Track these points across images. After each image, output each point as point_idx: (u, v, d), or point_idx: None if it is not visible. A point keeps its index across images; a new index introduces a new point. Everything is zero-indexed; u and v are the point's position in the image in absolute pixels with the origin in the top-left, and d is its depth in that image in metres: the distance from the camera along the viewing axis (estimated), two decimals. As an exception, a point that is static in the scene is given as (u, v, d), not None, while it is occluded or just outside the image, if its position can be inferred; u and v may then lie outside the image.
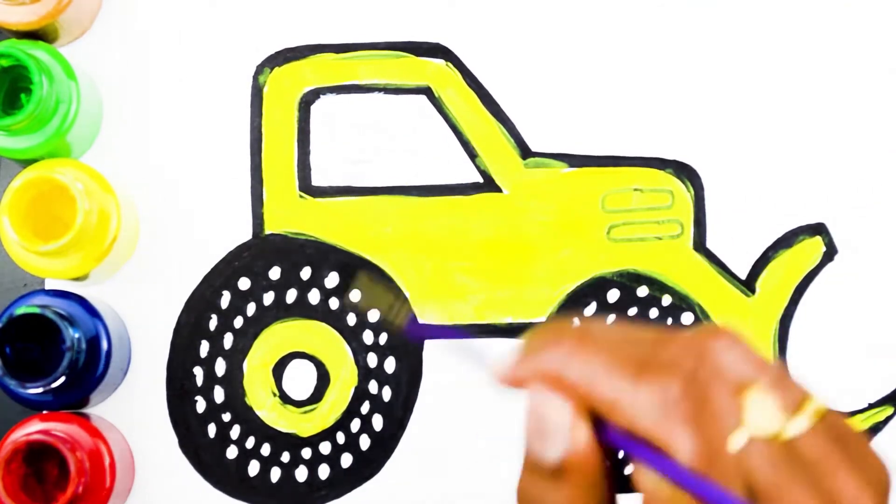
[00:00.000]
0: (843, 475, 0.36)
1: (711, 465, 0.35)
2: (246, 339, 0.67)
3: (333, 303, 0.67)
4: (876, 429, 0.68)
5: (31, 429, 0.62)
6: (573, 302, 0.67)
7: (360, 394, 0.67)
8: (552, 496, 0.37)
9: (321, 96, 0.68)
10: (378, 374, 0.67)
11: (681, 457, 0.35)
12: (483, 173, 0.68)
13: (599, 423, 0.36)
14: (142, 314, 0.67)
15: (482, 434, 0.67)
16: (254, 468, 0.67)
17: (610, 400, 0.36)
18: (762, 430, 0.36)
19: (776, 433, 0.36)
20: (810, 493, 0.35)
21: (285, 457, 0.67)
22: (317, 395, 0.67)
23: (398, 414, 0.67)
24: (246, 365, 0.67)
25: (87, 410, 0.66)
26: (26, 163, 0.65)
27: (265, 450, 0.67)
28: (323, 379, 0.67)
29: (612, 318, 0.67)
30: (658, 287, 0.67)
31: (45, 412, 0.64)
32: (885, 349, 0.68)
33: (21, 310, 0.60)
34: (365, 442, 0.67)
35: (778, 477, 0.36)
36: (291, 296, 0.67)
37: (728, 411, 0.36)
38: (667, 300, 0.67)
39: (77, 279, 0.65)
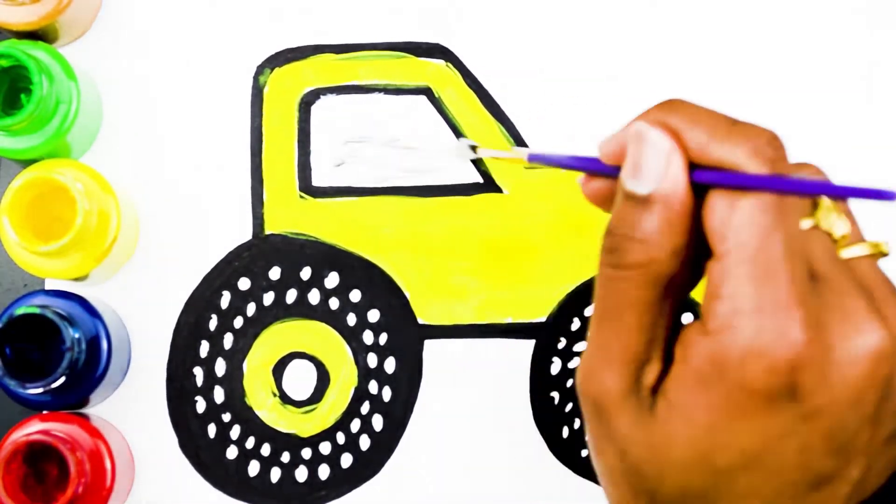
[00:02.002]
0: (893, 303, 0.38)
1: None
2: (246, 339, 0.67)
3: (333, 303, 0.67)
4: (876, 429, 0.68)
5: (31, 429, 0.62)
6: (573, 302, 0.67)
7: (360, 394, 0.67)
8: (643, 224, 0.38)
9: (321, 97, 0.68)
10: (378, 374, 0.67)
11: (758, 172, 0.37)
12: (483, 173, 0.68)
13: (690, 168, 0.39)
14: (142, 314, 0.67)
15: (482, 434, 0.67)
16: (254, 468, 0.67)
17: (705, 140, 0.38)
18: (830, 226, 0.39)
19: (843, 237, 0.39)
20: (865, 297, 0.37)
21: (285, 457, 0.67)
22: (317, 396, 0.67)
23: (398, 414, 0.67)
24: (246, 365, 0.67)
25: (87, 410, 0.66)
26: (26, 163, 0.65)
27: (265, 450, 0.67)
28: (323, 379, 0.67)
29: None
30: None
31: (45, 412, 0.64)
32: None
33: (21, 310, 0.60)
34: (365, 442, 0.67)
35: (835, 269, 0.38)
36: (291, 296, 0.67)
37: (803, 197, 0.38)
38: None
39: (77, 279, 0.65)
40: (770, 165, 0.37)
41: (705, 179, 0.38)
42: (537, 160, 0.49)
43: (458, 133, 0.68)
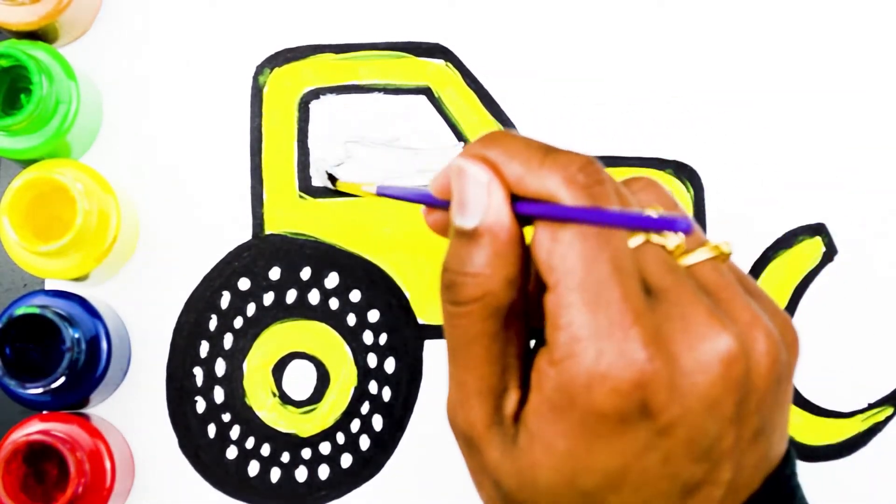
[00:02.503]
0: (740, 304, 0.38)
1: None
2: (246, 339, 0.67)
3: (333, 303, 0.67)
4: (876, 429, 0.68)
5: (31, 429, 0.62)
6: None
7: (360, 394, 0.67)
8: (473, 258, 0.39)
9: (321, 96, 0.68)
10: (378, 374, 0.67)
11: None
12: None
13: (513, 200, 0.39)
14: (142, 314, 0.67)
15: (482, 434, 0.67)
16: (254, 468, 0.67)
17: (521, 172, 0.38)
18: (662, 239, 0.39)
19: (677, 247, 0.39)
20: (704, 304, 0.37)
21: (285, 457, 0.67)
22: (317, 396, 0.67)
23: (398, 414, 0.67)
24: (246, 365, 0.67)
25: (87, 410, 0.66)
26: (26, 163, 0.65)
27: (265, 450, 0.67)
28: (323, 379, 0.67)
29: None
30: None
31: (45, 412, 0.64)
32: (885, 349, 0.68)
33: (21, 310, 0.60)
34: (365, 442, 0.67)
35: (670, 279, 0.38)
36: (291, 296, 0.67)
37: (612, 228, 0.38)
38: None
39: (77, 279, 0.65)
40: (584, 192, 0.37)
41: (526, 211, 0.38)
42: (385, 194, 0.51)
43: (458, 133, 0.68)
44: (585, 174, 0.38)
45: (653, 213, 0.38)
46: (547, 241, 0.37)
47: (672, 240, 0.38)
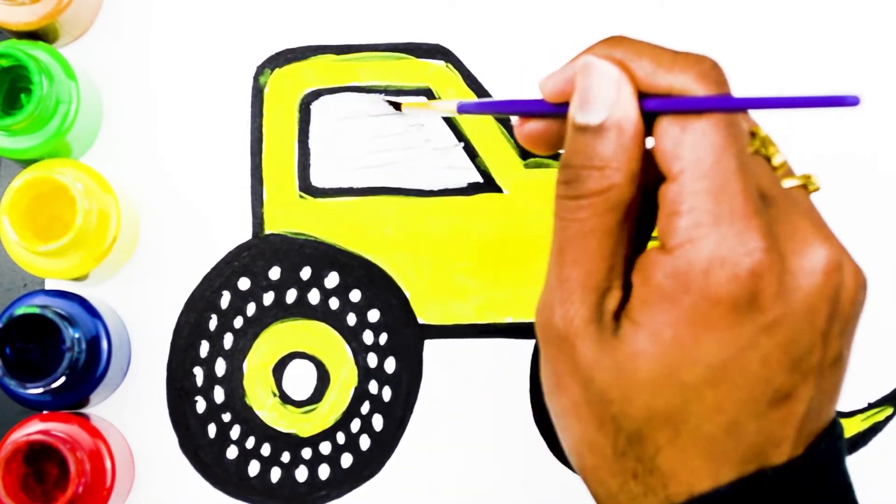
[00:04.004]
0: (831, 231, 0.41)
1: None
2: (246, 339, 0.67)
3: (333, 303, 0.67)
4: (876, 429, 0.68)
5: (31, 429, 0.62)
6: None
7: (360, 394, 0.67)
8: (598, 151, 0.39)
9: (322, 97, 0.68)
10: (378, 374, 0.67)
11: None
12: (483, 173, 0.68)
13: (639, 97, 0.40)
14: (142, 314, 0.67)
15: (482, 434, 0.67)
16: (254, 468, 0.67)
17: (651, 69, 0.39)
18: (767, 154, 0.41)
19: (781, 165, 0.42)
20: (809, 217, 0.40)
21: (285, 457, 0.67)
22: (317, 396, 0.67)
23: (398, 414, 0.67)
24: (246, 365, 0.67)
25: (87, 410, 0.66)
26: (26, 163, 0.65)
27: (265, 450, 0.67)
28: (323, 379, 0.67)
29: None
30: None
31: (45, 412, 0.64)
32: (885, 349, 0.68)
33: (21, 310, 0.60)
34: (365, 442, 0.67)
35: (779, 191, 0.41)
36: (291, 296, 0.67)
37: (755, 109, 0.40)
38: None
39: (77, 279, 0.65)
40: (717, 87, 0.39)
41: (655, 107, 0.39)
42: (468, 110, 0.51)
43: (458, 134, 0.68)
44: (717, 72, 0.39)
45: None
46: (676, 132, 0.38)
47: (777, 157, 0.41)
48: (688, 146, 0.38)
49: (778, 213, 0.39)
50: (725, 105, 0.38)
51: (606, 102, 0.39)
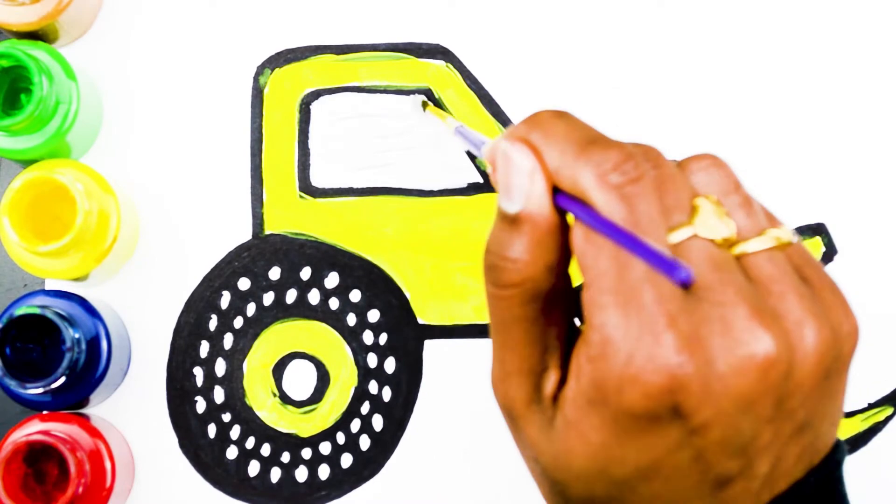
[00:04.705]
0: (791, 299, 0.37)
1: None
2: (246, 339, 0.67)
3: (333, 303, 0.67)
4: (876, 429, 0.68)
5: (31, 429, 0.62)
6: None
7: (360, 394, 0.67)
8: (513, 244, 0.39)
9: (322, 97, 0.68)
10: (378, 374, 0.67)
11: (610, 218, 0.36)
12: (483, 173, 0.68)
13: (555, 191, 0.38)
14: (142, 314, 0.67)
15: (482, 434, 0.67)
16: (254, 468, 0.67)
17: (557, 162, 0.38)
18: (710, 232, 0.37)
19: (726, 240, 0.37)
20: (748, 302, 0.36)
21: (285, 457, 0.67)
22: (317, 396, 0.67)
23: (398, 414, 0.67)
24: (246, 365, 0.67)
25: (87, 410, 0.66)
26: (26, 163, 0.65)
27: (265, 450, 0.67)
28: (323, 379, 0.67)
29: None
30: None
31: (45, 412, 0.64)
32: (885, 349, 0.68)
33: (21, 310, 0.60)
34: (365, 442, 0.67)
35: (714, 277, 0.36)
36: (291, 296, 0.67)
37: (677, 206, 0.37)
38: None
39: (77, 279, 0.65)
40: (616, 192, 0.36)
41: (563, 205, 0.38)
42: (461, 134, 0.52)
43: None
44: (620, 172, 0.36)
45: (664, 249, 0.36)
46: (580, 240, 0.37)
47: (720, 231, 0.37)
48: (590, 256, 0.36)
49: (709, 308, 0.36)
50: (605, 231, 0.35)
51: (521, 193, 0.38)
